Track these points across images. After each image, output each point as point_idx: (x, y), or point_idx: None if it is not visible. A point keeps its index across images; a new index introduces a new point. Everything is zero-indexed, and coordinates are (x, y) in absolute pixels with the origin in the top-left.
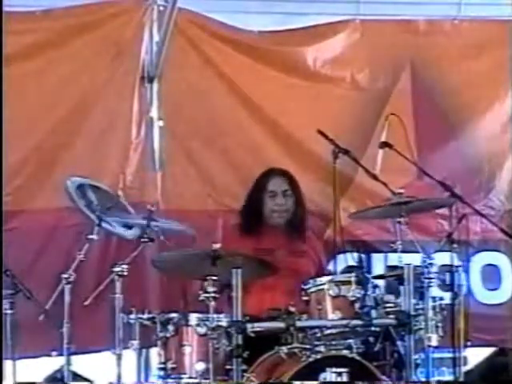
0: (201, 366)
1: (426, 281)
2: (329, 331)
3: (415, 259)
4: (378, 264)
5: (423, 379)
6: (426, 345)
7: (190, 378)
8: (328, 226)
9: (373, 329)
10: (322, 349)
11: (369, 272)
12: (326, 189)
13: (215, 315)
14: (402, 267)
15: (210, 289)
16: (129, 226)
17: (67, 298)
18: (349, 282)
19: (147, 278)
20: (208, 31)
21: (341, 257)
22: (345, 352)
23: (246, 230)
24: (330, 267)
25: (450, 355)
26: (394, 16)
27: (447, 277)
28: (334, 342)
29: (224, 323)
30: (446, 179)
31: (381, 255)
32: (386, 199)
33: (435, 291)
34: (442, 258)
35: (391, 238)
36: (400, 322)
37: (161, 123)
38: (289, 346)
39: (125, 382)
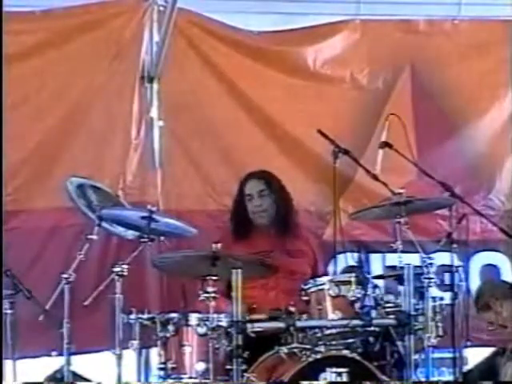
0: (201, 366)
1: (426, 281)
2: (329, 331)
3: (414, 259)
4: (376, 264)
5: (423, 379)
6: (425, 345)
7: (190, 378)
8: (327, 225)
9: (373, 329)
10: (322, 349)
11: (368, 272)
12: (325, 188)
13: (215, 315)
14: (401, 267)
15: (210, 289)
16: (128, 226)
17: (67, 297)
18: (349, 282)
19: (147, 278)
20: (208, 31)
21: (341, 257)
22: (345, 352)
23: (237, 234)
24: (330, 267)
25: (450, 355)
26: (393, 16)
27: (445, 277)
28: (333, 342)
29: (224, 323)
30: (445, 179)
31: (379, 255)
32: (385, 199)
33: (435, 291)
34: (442, 258)
35: (389, 238)
36: (400, 322)
37: (161, 123)
38: (289, 346)
39: (125, 381)
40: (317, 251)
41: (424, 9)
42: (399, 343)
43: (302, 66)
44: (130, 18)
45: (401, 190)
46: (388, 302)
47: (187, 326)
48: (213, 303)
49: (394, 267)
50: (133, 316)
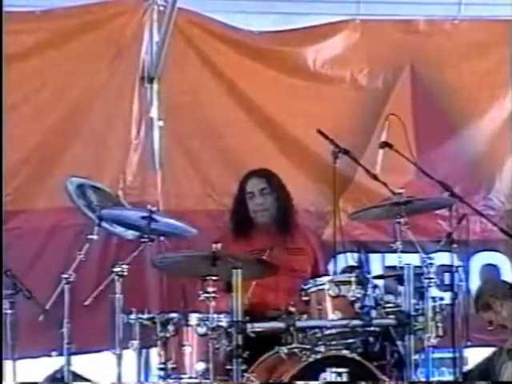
0: (201, 366)
1: (426, 281)
2: (329, 331)
3: (414, 259)
4: (376, 264)
5: (423, 379)
6: (425, 345)
7: (190, 378)
8: (327, 225)
9: (373, 329)
10: (322, 349)
11: (368, 272)
12: (325, 188)
13: (215, 315)
14: (401, 267)
15: (210, 289)
16: (128, 226)
17: (67, 297)
18: (349, 282)
19: (147, 278)
20: (208, 31)
21: (341, 257)
22: (345, 352)
23: (237, 233)
24: (330, 267)
25: (450, 355)
26: (394, 16)
27: (445, 277)
28: (333, 342)
29: (224, 323)
30: (445, 179)
31: (379, 255)
32: (385, 199)
33: (435, 291)
34: (442, 258)
35: (389, 238)
36: (400, 322)
37: (161, 123)
38: (289, 346)
39: (125, 381)
40: (317, 250)
41: (424, 9)
42: (399, 343)
43: (302, 66)
44: (130, 17)
45: (401, 190)
46: (388, 302)
47: (187, 325)
48: (213, 303)
49: (393, 267)
50: (133, 316)
